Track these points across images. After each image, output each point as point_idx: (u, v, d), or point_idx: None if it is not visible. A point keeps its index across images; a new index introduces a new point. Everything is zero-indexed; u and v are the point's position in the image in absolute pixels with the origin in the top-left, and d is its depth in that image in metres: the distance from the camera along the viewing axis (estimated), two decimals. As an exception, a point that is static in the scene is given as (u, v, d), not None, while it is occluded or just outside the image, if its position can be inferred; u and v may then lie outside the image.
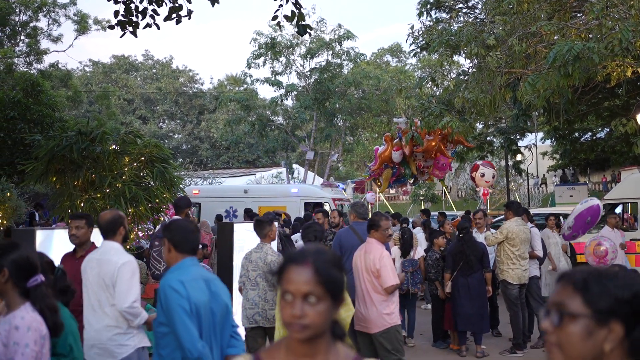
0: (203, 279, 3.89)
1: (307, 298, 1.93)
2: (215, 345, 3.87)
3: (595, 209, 10.91)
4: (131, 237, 9.37)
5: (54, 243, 6.38)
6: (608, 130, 22.92)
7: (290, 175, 31.63)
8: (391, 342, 6.19)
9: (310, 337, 1.96)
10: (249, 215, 13.04)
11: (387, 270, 6.16)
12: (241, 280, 6.88)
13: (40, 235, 6.22)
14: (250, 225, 10.34)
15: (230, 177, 41.92)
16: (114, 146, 9.23)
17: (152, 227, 9.55)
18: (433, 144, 13.70)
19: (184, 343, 3.68)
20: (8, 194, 8.97)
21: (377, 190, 16.29)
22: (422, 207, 37.99)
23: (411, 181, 14.85)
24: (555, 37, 10.39)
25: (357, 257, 6.47)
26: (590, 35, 9.81)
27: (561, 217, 14.50)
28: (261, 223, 7.02)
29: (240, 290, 6.92)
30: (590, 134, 24.87)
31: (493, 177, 14.49)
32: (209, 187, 24.73)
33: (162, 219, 9.48)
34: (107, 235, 4.96)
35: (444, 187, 27.18)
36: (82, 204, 8.83)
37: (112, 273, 4.69)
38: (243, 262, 6.93)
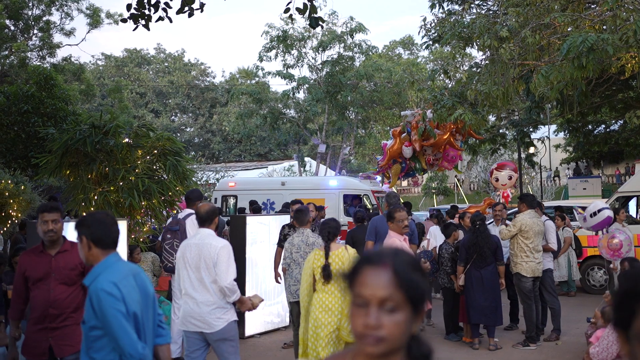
0: (132, 274, 3.68)
1: (383, 305, 1.68)
2: (149, 339, 3.72)
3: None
4: (145, 229, 9.41)
5: (67, 236, 6.43)
6: (622, 122, 22.75)
7: (302, 169, 31.63)
8: None
9: (385, 352, 1.70)
10: (286, 208, 13.00)
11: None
12: (285, 262, 7.83)
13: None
14: (262, 218, 10.40)
15: (242, 170, 42.00)
16: (127, 139, 9.26)
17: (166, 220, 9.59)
18: (444, 137, 13.62)
19: (125, 348, 3.48)
20: (22, 187, 9.04)
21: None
22: (434, 200, 38.06)
23: (422, 173, 14.77)
24: (568, 29, 10.32)
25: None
26: (604, 27, 9.73)
27: (575, 210, 14.45)
28: (302, 211, 7.96)
29: (284, 270, 7.94)
30: (603, 126, 24.70)
31: (510, 179, 14.23)
32: (245, 179, 24.44)
33: (175, 211, 9.52)
34: (204, 223, 5.76)
35: (457, 181, 27.11)
36: (95, 197, 8.87)
37: (213, 255, 5.52)
38: (287, 246, 7.84)
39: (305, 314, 6.26)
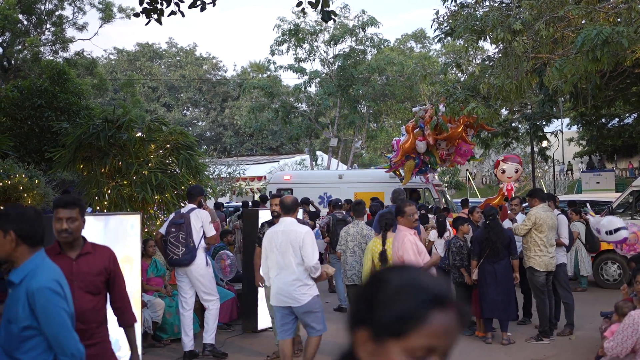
0: (60, 271, 3.49)
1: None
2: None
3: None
4: (158, 223, 9.45)
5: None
6: (636, 115, 22.58)
7: (314, 162, 31.62)
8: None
9: None
10: (347, 203, 13.04)
11: (409, 256, 6.42)
12: (340, 247, 9.06)
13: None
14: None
15: (253, 164, 42.04)
16: (139, 133, 9.31)
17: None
18: (458, 130, 13.53)
19: (68, 347, 3.29)
20: (36, 181, 9.08)
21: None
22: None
23: (436, 167, 14.63)
24: (583, 22, 10.23)
25: (393, 248, 6.88)
26: (619, 19, 9.65)
27: (588, 205, 14.33)
28: (360, 204, 9.33)
29: (339, 255, 9.20)
30: (617, 119, 24.54)
31: (516, 172, 13.93)
32: (301, 172, 24.19)
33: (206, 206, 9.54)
34: (289, 212, 6.71)
35: (468, 175, 27.00)
36: (109, 191, 8.92)
37: (299, 240, 6.47)
38: (343, 234, 9.08)
39: None
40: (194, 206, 8.06)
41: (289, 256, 6.51)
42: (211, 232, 8.10)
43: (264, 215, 9.79)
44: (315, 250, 6.60)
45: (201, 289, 8.10)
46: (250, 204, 17.77)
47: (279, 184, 17.80)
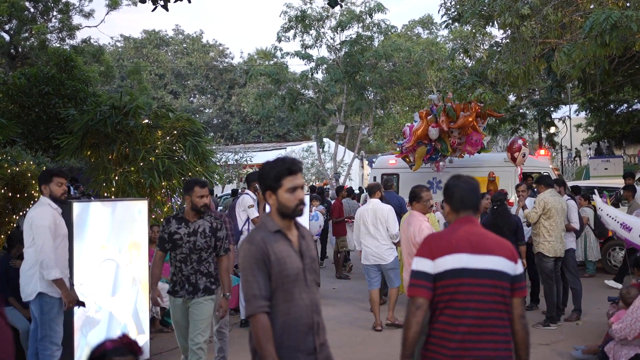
0: None
1: None
2: None
3: None
4: (165, 209, 9.47)
5: (90, 216, 6.49)
6: (645, 101, 22.47)
7: (321, 149, 31.57)
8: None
9: None
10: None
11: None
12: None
13: (76, 208, 6.33)
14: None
15: (260, 151, 42.05)
16: (146, 120, 9.31)
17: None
18: (470, 119, 13.42)
19: None
20: (44, 168, 9.11)
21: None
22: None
23: (448, 154, 14.51)
24: (591, 6, 10.16)
25: (401, 229, 7.24)
26: (628, 4, 9.57)
27: (596, 191, 14.21)
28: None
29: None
30: (626, 105, 24.38)
31: (523, 156, 13.84)
32: None
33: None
34: (373, 194, 9.15)
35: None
36: (116, 178, 8.94)
37: (385, 215, 8.83)
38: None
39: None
40: (245, 192, 9.04)
41: (379, 227, 8.84)
42: (253, 214, 8.68)
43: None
44: (396, 223, 8.77)
45: None
46: (239, 191, 17.79)
47: (383, 169, 17.01)
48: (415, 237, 6.53)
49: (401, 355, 3.43)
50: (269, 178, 3.41)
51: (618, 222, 8.88)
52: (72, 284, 6.08)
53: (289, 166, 3.41)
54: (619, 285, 11.50)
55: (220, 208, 17.79)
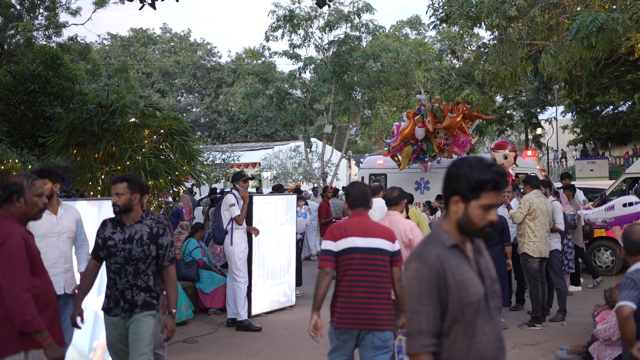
0: None
1: None
2: None
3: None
4: (151, 208, 9.43)
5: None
6: (630, 103, 22.63)
7: (308, 149, 31.57)
8: None
9: None
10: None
11: (419, 240, 6.45)
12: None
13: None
14: (268, 198, 10.40)
15: (248, 150, 42.00)
16: (133, 119, 9.25)
17: (172, 200, 9.62)
18: (457, 120, 13.46)
19: None
20: (30, 167, 9.06)
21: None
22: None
23: (432, 155, 14.56)
24: (578, 8, 10.22)
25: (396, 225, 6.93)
26: (615, 6, 9.63)
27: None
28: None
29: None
30: (612, 107, 24.56)
31: (505, 158, 13.49)
32: None
33: (181, 191, 9.56)
34: (376, 194, 8.66)
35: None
36: (102, 176, 8.89)
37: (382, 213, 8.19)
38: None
39: None
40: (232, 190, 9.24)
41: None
42: (235, 212, 8.93)
43: (258, 201, 9.80)
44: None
45: (230, 266, 9.22)
46: (218, 191, 17.74)
47: (371, 169, 17.00)
48: (408, 235, 6.47)
49: (313, 307, 4.89)
50: (466, 181, 2.67)
51: (601, 209, 8.99)
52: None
53: (498, 180, 2.66)
54: (578, 288, 11.64)
55: (200, 208, 17.75)
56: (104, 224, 5.11)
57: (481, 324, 2.69)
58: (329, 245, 4.94)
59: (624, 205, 9.80)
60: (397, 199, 6.76)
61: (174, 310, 5.01)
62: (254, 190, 21.32)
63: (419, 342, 2.60)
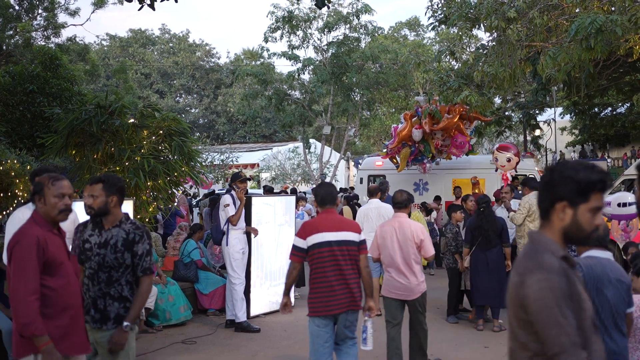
0: None
1: None
2: None
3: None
4: (150, 209, 9.43)
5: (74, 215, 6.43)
6: (629, 105, 22.64)
7: (307, 150, 31.57)
8: (424, 304, 6.93)
9: None
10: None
11: (429, 242, 6.85)
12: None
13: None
14: (267, 199, 10.40)
15: (246, 151, 41.99)
16: (132, 120, 9.25)
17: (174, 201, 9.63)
18: (454, 120, 13.47)
19: None
20: (28, 167, 9.04)
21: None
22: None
23: (430, 157, 14.58)
24: (577, 10, 10.24)
25: (390, 230, 6.89)
26: (613, 8, 9.65)
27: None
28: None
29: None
30: (610, 109, 24.60)
31: (508, 161, 13.50)
32: None
33: (180, 192, 9.57)
34: (373, 195, 10.14)
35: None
36: (101, 177, 8.88)
37: (388, 212, 9.31)
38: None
39: None
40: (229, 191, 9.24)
41: (382, 221, 8.84)
42: (230, 213, 8.89)
43: (257, 202, 9.79)
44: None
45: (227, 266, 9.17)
46: (215, 192, 17.75)
47: (370, 170, 17.05)
48: (420, 236, 6.70)
49: (283, 292, 5.76)
50: (573, 184, 2.48)
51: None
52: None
53: (605, 180, 2.50)
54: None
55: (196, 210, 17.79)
56: (85, 224, 4.74)
57: (594, 340, 2.49)
58: (298, 242, 5.60)
59: (619, 205, 9.89)
60: (406, 202, 6.95)
61: (127, 324, 4.46)
62: (257, 190, 21.37)
63: (581, 357, 2.31)
